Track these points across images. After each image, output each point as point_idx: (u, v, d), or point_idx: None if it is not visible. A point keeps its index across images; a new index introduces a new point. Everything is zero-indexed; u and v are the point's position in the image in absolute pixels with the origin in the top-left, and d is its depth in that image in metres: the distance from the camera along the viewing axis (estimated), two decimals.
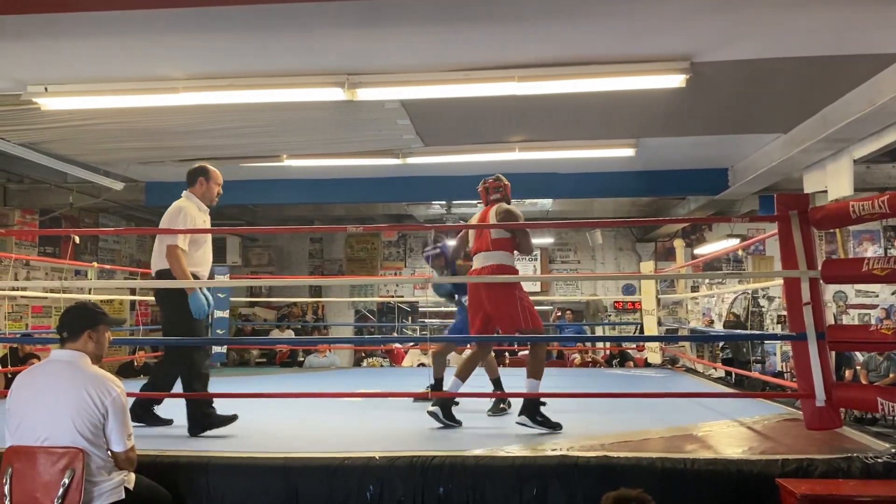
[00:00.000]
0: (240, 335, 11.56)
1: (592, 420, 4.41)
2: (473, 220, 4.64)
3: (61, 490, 2.58)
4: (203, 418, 3.91)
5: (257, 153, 7.19)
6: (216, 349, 8.78)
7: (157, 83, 4.97)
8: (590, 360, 9.96)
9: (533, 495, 3.06)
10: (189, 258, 4.00)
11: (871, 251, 11.64)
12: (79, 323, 2.88)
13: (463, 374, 4.30)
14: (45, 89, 5.03)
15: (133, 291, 10.08)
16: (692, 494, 3.05)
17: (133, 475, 2.85)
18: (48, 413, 2.68)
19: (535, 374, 4.14)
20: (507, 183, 4.55)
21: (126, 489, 2.77)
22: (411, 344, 10.53)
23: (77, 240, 7.29)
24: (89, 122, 5.92)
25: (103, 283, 8.82)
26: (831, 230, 9.83)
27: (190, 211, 4.16)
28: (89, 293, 7.27)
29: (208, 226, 4.36)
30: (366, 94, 4.96)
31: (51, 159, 7.01)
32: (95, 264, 7.13)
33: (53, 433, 2.66)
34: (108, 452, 2.76)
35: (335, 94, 4.93)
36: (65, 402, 2.68)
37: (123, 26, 4.10)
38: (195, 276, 4.02)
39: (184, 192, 4.30)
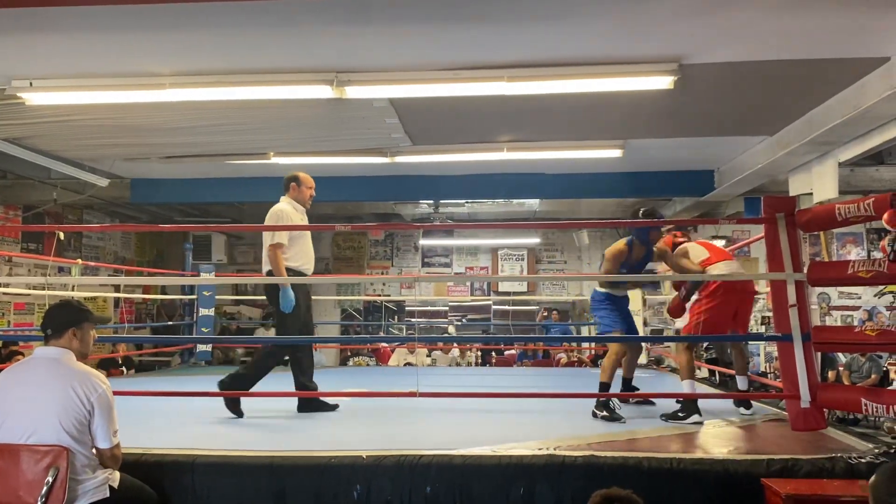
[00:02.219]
0: (225, 333, 11.50)
1: (579, 420, 4.43)
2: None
3: (45, 488, 2.55)
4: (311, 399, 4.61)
5: (244, 150, 7.15)
6: (201, 347, 8.74)
7: (143, 79, 4.92)
8: (576, 359, 10.00)
9: (520, 495, 3.06)
10: (290, 253, 4.55)
11: (855, 254, 11.77)
12: (63, 321, 2.85)
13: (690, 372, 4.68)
14: (30, 84, 4.97)
15: (117, 289, 10.01)
16: (678, 494, 3.07)
17: (118, 473, 2.83)
18: (33, 410, 2.65)
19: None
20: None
21: (111, 487, 2.74)
22: (397, 343, 10.53)
23: (61, 236, 7.22)
24: (74, 117, 5.86)
25: (87, 279, 8.75)
26: (815, 232, 9.90)
27: (287, 212, 4.63)
28: (73, 290, 7.20)
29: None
30: (354, 92, 4.94)
31: (35, 155, 6.94)
32: (79, 261, 7.07)
33: (38, 430, 2.63)
34: (93, 450, 2.73)
35: (324, 91, 4.91)
36: (50, 399, 2.65)
37: (110, 21, 4.06)
38: (297, 272, 4.61)
39: (281, 197, 4.76)
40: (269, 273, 4.59)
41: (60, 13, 3.93)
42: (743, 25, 4.17)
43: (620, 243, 4.87)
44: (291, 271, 4.56)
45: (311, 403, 4.67)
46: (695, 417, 4.25)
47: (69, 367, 2.75)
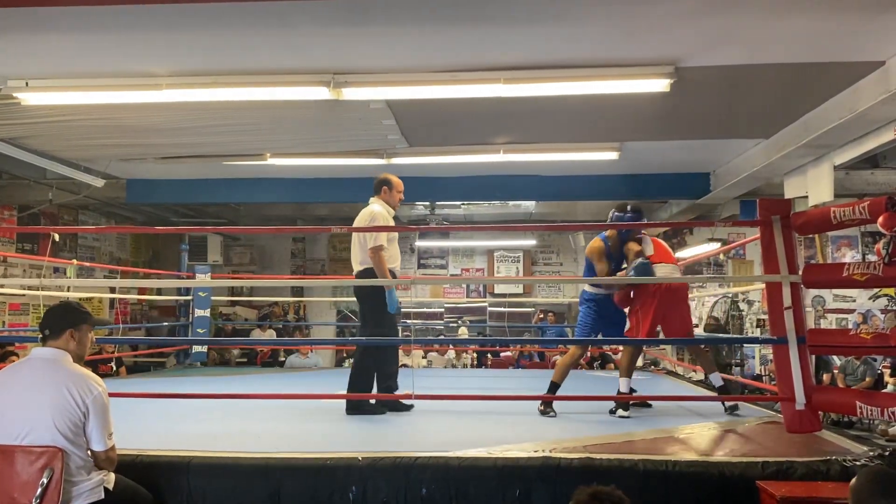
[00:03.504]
0: (220, 335, 11.48)
1: (575, 422, 4.43)
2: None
3: (39, 490, 2.55)
4: (362, 402, 4.56)
5: (241, 151, 7.14)
6: (197, 348, 8.73)
7: (140, 79, 4.91)
8: None
9: (516, 497, 3.07)
10: (387, 255, 4.61)
11: (850, 256, 11.79)
12: (61, 322, 2.85)
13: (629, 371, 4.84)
14: (26, 84, 4.96)
15: (113, 290, 9.98)
16: (674, 496, 3.07)
17: (113, 475, 2.82)
18: (28, 411, 2.65)
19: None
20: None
21: (106, 489, 2.74)
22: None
23: (56, 237, 7.18)
24: (70, 117, 5.85)
25: (82, 281, 8.73)
26: (810, 235, 9.93)
27: (383, 213, 4.73)
28: (68, 291, 7.18)
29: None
30: (351, 93, 4.94)
31: (30, 155, 6.91)
32: (75, 262, 7.06)
33: (33, 431, 2.63)
34: (88, 452, 2.73)
35: (320, 93, 4.91)
36: (45, 400, 2.65)
37: (107, 21, 4.05)
38: (392, 273, 4.66)
39: (371, 198, 4.86)
40: (362, 274, 4.63)
41: (57, 13, 3.92)
42: (739, 29, 4.19)
43: (597, 241, 5.06)
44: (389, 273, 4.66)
45: (361, 406, 4.62)
46: (620, 412, 4.62)
47: (65, 369, 2.75)
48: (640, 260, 4.81)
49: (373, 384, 4.72)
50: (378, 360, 4.74)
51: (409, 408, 4.71)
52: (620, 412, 4.61)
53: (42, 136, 6.51)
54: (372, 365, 4.74)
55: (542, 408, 4.68)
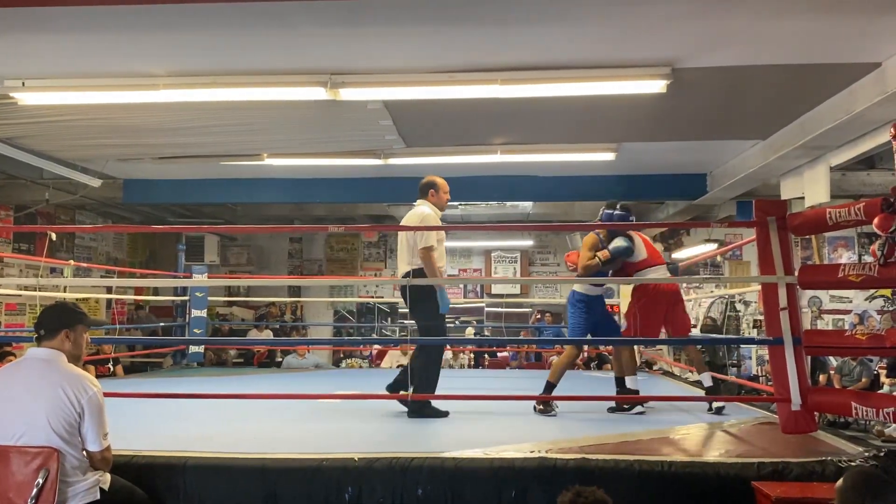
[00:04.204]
0: (217, 335, 11.46)
1: (571, 422, 4.44)
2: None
3: (35, 490, 2.55)
4: (424, 405, 4.51)
5: (238, 151, 7.14)
6: (193, 349, 8.72)
7: (137, 79, 4.91)
8: None
9: (511, 497, 3.07)
10: (436, 255, 4.63)
11: (846, 257, 11.82)
12: (57, 322, 2.85)
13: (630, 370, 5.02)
14: (23, 84, 4.94)
15: (110, 290, 9.97)
16: (669, 497, 3.08)
17: (108, 475, 2.82)
18: (23, 411, 2.65)
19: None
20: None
21: (101, 490, 2.74)
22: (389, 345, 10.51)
23: (53, 236, 7.19)
24: (67, 117, 5.84)
25: (79, 281, 8.71)
26: (807, 236, 9.95)
27: (432, 215, 4.80)
28: (65, 291, 7.17)
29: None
30: (348, 94, 4.94)
31: (27, 155, 6.90)
32: (72, 262, 7.05)
33: (28, 432, 2.62)
34: (84, 452, 2.73)
35: (318, 93, 4.90)
36: (40, 401, 2.65)
37: (104, 21, 4.05)
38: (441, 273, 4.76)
39: (418, 200, 4.93)
40: (411, 275, 4.62)
41: (53, 13, 3.91)
42: (736, 30, 4.19)
43: (592, 235, 5.14)
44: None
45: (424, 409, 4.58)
46: (638, 409, 4.75)
47: (60, 369, 2.74)
48: (620, 242, 4.95)
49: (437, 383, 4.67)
50: (438, 358, 4.82)
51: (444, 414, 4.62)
52: (638, 409, 4.73)
53: (39, 136, 6.50)
54: (436, 362, 4.76)
55: (540, 407, 4.69)
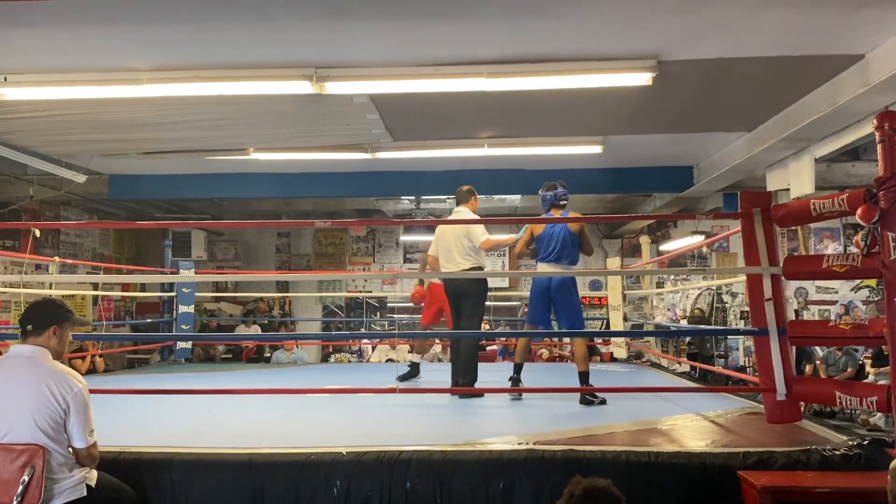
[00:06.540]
0: (205, 330, 11.42)
1: (559, 414, 4.46)
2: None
3: (21, 488, 2.53)
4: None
5: (224, 146, 7.10)
6: (181, 345, 8.68)
7: (121, 74, 4.88)
8: (557, 355, 10.04)
9: (500, 489, 3.08)
10: (476, 254, 5.32)
11: (832, 248, 11.91)
12: (45, 317, 2.83)
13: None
14: (5, 79, 4.90)
15: (96, 286, 9.90)
16: (656, 487, 3.10)
17: (95, 472, 2.81)
18: (8, 408, 2.63)
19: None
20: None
21: (88, 486, 2.73)
22: (377, 340, 10.51)
23: (37, 233, 7.12)
24: (51, 112, 5.79)
25: (65, 277, 8.64)
26: (793, 227, 10.02)
27: (477, 217, 5.45)
28: (50, 288, 7.11)
29: None
30: (334, 87, 4.93)
31: (10, 150, 6.85)
32: (57, 259, 6.99)
33: (13, 429, 2.61)
34: (70, 449, 2.71)
35: (303, 87, 4.89)
36: (25, 398, 2.63)
37: (86, 15, 4.02)
38: (482, 268, 5.49)
39: (461, 206, 5.58)
40: (468, 270, 5.26)
41: (35, 7, 3.88)
42: (720, 22, 4.21)
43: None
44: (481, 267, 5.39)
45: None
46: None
47: (44, 366, 2.73)
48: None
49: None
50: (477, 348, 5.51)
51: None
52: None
53: (22, 132, 6.44)
54: (477, 349, 5.42)
55: (588, 398, 4.77)
